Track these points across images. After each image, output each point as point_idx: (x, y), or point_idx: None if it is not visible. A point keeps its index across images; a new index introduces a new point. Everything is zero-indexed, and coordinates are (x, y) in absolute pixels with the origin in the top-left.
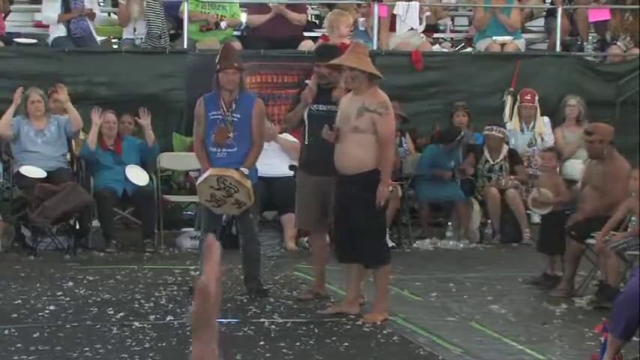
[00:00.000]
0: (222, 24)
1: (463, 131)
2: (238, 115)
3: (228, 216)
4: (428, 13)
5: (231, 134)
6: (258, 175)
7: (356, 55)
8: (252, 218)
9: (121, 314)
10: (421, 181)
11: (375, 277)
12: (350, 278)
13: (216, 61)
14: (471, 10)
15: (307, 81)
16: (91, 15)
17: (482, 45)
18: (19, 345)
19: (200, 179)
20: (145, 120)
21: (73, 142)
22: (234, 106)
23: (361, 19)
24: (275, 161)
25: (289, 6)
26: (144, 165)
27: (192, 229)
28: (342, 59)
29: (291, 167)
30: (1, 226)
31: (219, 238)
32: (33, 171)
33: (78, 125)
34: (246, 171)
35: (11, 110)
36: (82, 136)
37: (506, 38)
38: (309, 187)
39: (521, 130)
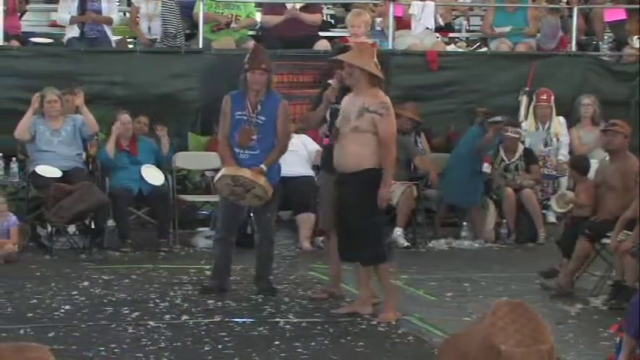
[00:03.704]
0: (233, 25)
1: (501, 117)
2: (263, 118)
3: (244, 215)
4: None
5: (254, 136)
6: None
7: (358, 53)
8: (269, 217)
9: (136, 314)
10: (449, 176)
11: (378, 277)
12: (359, 278)
13: (245, 60)
14: (485, 10)
15: (330, 81)
16: (108, 21)
17: (495, 45)
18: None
19: (216, 178)
20: (162, 132)
21: (88, 142)
22: (259, 107)
23: (378, 19)
24: (291, 160)
25: (304, 6)
26: (158, 165)
27: (207, 228)
28: (343, 55)
29: (314, 167)
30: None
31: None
32: (48, 170)
33: (93, 129)
34: (265, 168)
35: (29, 115)
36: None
37: (506, 29)
38: (330, 187)
39: (537, 130)
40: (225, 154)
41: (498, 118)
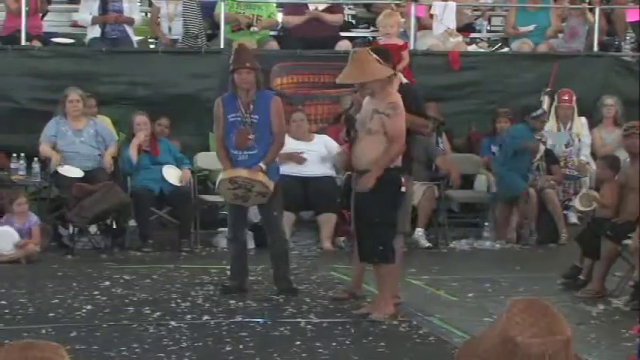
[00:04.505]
0: (253, 27)
1: (541, 110)
2: (257, 117)
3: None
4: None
5: (251, 136)
6: (294, 175)
7: (356, 66)
8: (276, 216)
9: (158, 314)
10: (504, 171)
11: (379, 275)
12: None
13: (230, 61)
14: (507, 10)
15: None
16: (129, 22)
17: (516, 45)
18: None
19: (216, 184)
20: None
21: None
22: (252, 107)
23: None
24: (311, 161)
25: (326, 8)
26: (177, 166)
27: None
28: (345, 76)
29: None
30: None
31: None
32: (70, 170)
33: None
34: (264, 167)
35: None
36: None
37: (529, 27)
38: None
39: (559, 131)
40: (223, 157)
41: (540, 111)
